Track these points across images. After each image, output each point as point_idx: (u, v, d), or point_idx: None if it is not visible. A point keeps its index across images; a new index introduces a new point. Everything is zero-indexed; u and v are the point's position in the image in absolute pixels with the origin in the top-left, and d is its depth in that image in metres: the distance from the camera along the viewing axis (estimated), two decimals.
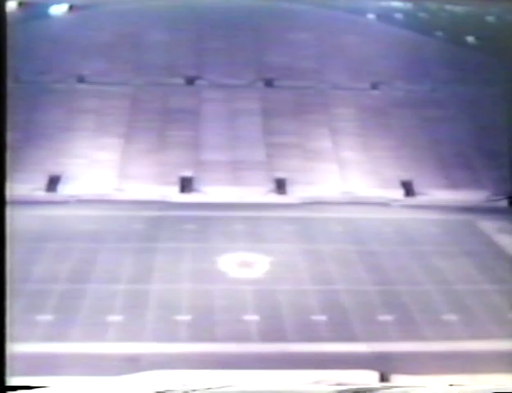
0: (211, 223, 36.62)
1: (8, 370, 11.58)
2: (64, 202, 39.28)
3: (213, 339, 24.63)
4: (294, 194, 41.34)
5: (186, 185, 41.61)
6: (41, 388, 12.18)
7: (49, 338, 24.31)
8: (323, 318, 26.44)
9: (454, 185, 42.11)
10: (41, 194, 40.02)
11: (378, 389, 11.98)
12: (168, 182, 41.47)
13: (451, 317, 26.90)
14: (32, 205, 36.77)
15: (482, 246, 34.90)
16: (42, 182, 40.66)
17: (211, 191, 41.05)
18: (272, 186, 41.88)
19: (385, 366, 22.74)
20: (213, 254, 32.44)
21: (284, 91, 49.20)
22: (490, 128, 44.87)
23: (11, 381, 11.56)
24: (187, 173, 42.25)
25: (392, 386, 12.85)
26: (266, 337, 24.93)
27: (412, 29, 55.39)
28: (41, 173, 41.02)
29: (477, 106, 47.19)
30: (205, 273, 30.44)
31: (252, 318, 26.28)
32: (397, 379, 22.09)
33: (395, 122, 47.11)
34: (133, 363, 22.72)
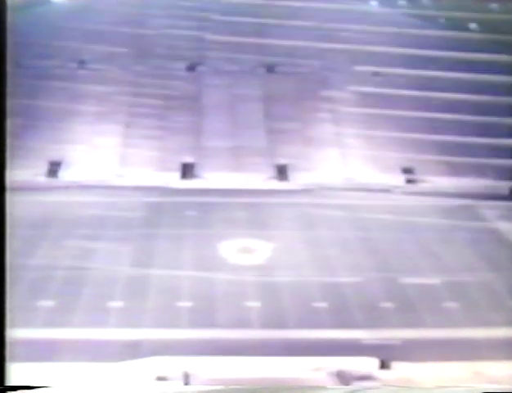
0: (212, 210, 36.56)
1: (9, 356, 11.59)
2: (64, 188, 39.16)
3: (214, 325, 24.64)
4: (296, 180, 41.24)
5: (187, 171, 41.50)
6: (41, 388, 12.18)
7: (50, 324, 24.33)
8: (324, 304, 26.45)
9: (455, 172, 41.96)
10: (41, 180, 39.91)
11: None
12: (170, 168, 41.36)
13: (452, 304, 26.90)
14: (32, 191, 36.68)
15: (483, 233, 34.83)
16: (43, 167, 40.55)
17: (212, 178, 40.95)
18: (274, 172, 41.78)
19: (385, 353, 22.77)
20: (215, 240, 32.41)
21: (285, 77, 48.99)
22: (492, 115, 44.67)
23: (11, 371, 11.57)
24: (188, 159, 42.15)
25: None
26: (267, 324, 24.93)
27: (415, 15, 55.13)
28: (41, 158, 40.90)
29: (479, 92, 46.95)
30: (206, 259, 30.43)
31: (253, 304, 26.28)
32: (397, 366, 22.13)
33: (397, 108, 46.88)
34: (134, 349, 22.75)
